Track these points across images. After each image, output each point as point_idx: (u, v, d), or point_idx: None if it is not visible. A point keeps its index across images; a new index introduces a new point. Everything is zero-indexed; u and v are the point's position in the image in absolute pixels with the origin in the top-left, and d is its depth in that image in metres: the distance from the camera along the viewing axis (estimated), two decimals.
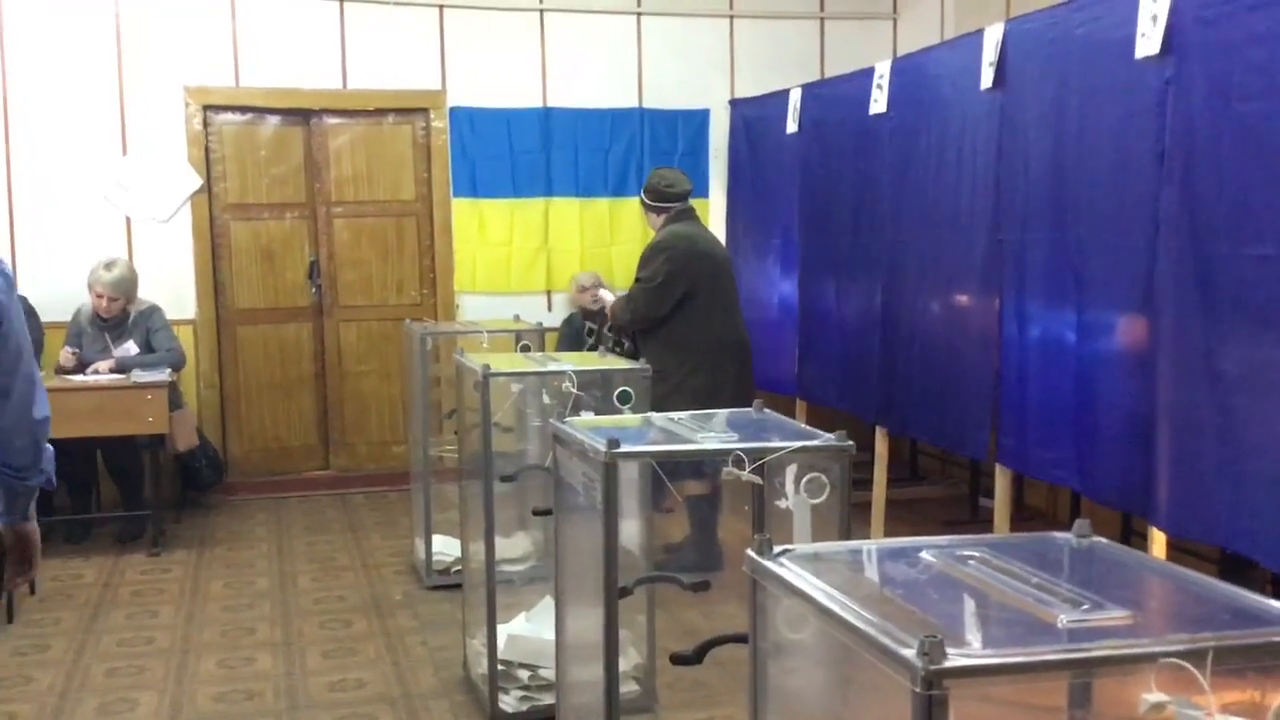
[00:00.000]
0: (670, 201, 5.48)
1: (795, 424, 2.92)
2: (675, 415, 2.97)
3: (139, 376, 5.85)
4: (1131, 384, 3.82)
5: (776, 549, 1.70)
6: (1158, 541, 3.67)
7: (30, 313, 6.18)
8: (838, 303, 6.07)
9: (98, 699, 4.17)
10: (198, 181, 6.88)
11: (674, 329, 5.32)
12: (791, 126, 6.49)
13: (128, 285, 6.13)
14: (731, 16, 7.56)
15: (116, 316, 6.14)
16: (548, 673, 3.84)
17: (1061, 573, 1.65)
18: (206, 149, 6.92)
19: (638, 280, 5.44)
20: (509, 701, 3.94)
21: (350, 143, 7.20)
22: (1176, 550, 3.86)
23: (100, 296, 6.05)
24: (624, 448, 2.56)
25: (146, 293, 6.31)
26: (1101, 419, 3.98)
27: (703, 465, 2.95)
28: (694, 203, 7.79)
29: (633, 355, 5.32)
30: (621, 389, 3.68)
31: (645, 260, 5.43)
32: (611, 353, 4.96)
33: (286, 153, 7.13)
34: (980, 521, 6.01)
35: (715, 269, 5.43)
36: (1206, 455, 3.42)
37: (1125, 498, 3.95)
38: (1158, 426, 3.63)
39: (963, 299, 5.00)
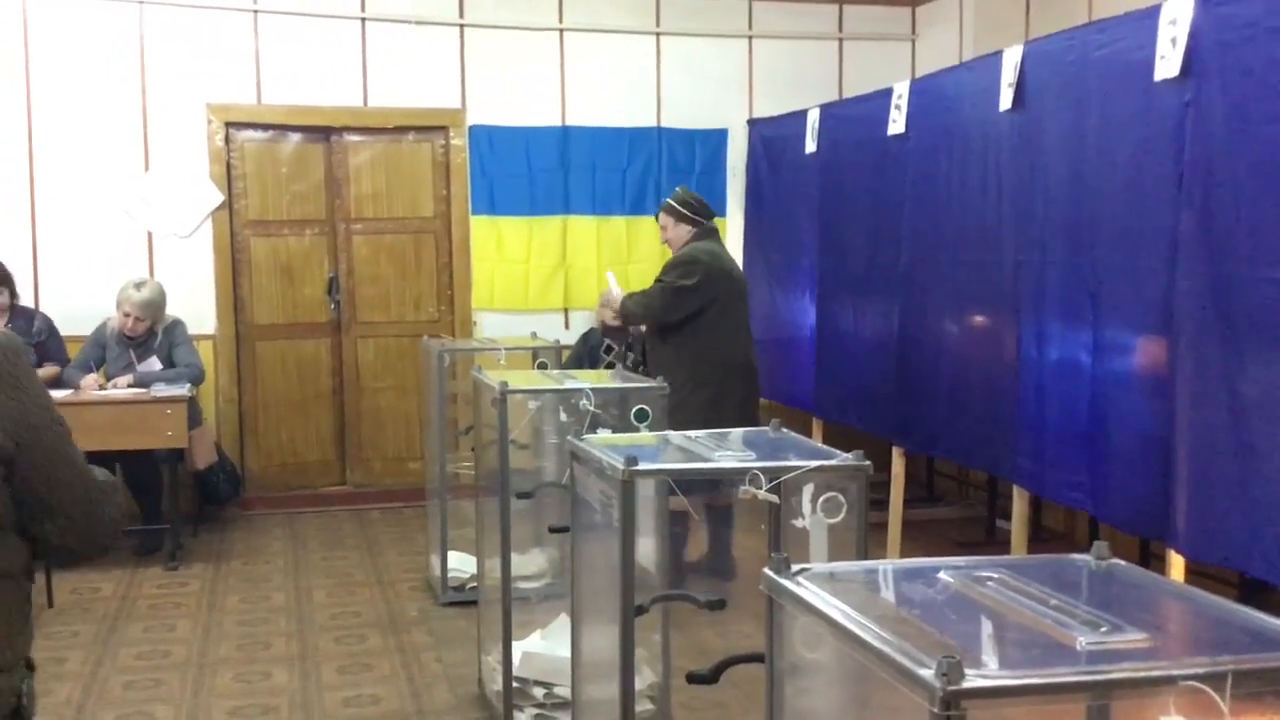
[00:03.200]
0: (704, 217, 5.53)
1: (812, 443, 2.92)
2: (692, 433, 2.97)
3: (159, 391, 5.88)
4: (1149, 407, 3.81)
5: (793, 568, 1.70)
6: (1176, 565, 3.65)
7: (52, 332, 6.23)
8: (855, 322, 6.07)
9: (114, 712, 4.18)
10: (219, 198, 6.92)
11: (685, 342, 5.32)
12: (810, 146, 6.50)
13: (156, 306, 6.17)
14: (750, 37, 7.58)
15: (142, 334, 6.17)
16: (563, 691, 3.84)
17: (1080, 595, 1.65)
18: (228, 165, 6.97)
19: (659, 280, 5.45)
20: (524, 719, 3.94)
21: (370, 160, 7.24)
22: (1195, 574, 3.83)
23: (128, 315, 6.08)
24: (642, 465, 2.57)
25: (167, 308, 6.34)
26: (1119, 441, 3.97)
27: (717, 483, 2.96)
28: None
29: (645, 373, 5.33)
30: (639, 407, 3.69)
31: (674, 265, 5.43)
32: (629, 371, 4.97)
33: (307, 170, 7.17)
34: (997, 543, 6.00)
35: (733, 290, 5.47)
36: (1225, 478, 3.40)
37: (1142, 521, 3.93)
38: (1176, 449, 3.62)
39: (981, 319, 4.99)
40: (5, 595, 2.02)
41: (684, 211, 5.52)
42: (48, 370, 6.11)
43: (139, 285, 6.13)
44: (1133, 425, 3.90)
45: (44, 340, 6.16)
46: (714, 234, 5.59)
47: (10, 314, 6.14)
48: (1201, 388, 3.50)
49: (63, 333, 6.32)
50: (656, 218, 5.76)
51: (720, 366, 5.33)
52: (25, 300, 6.41)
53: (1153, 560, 4.71)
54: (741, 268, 7.42)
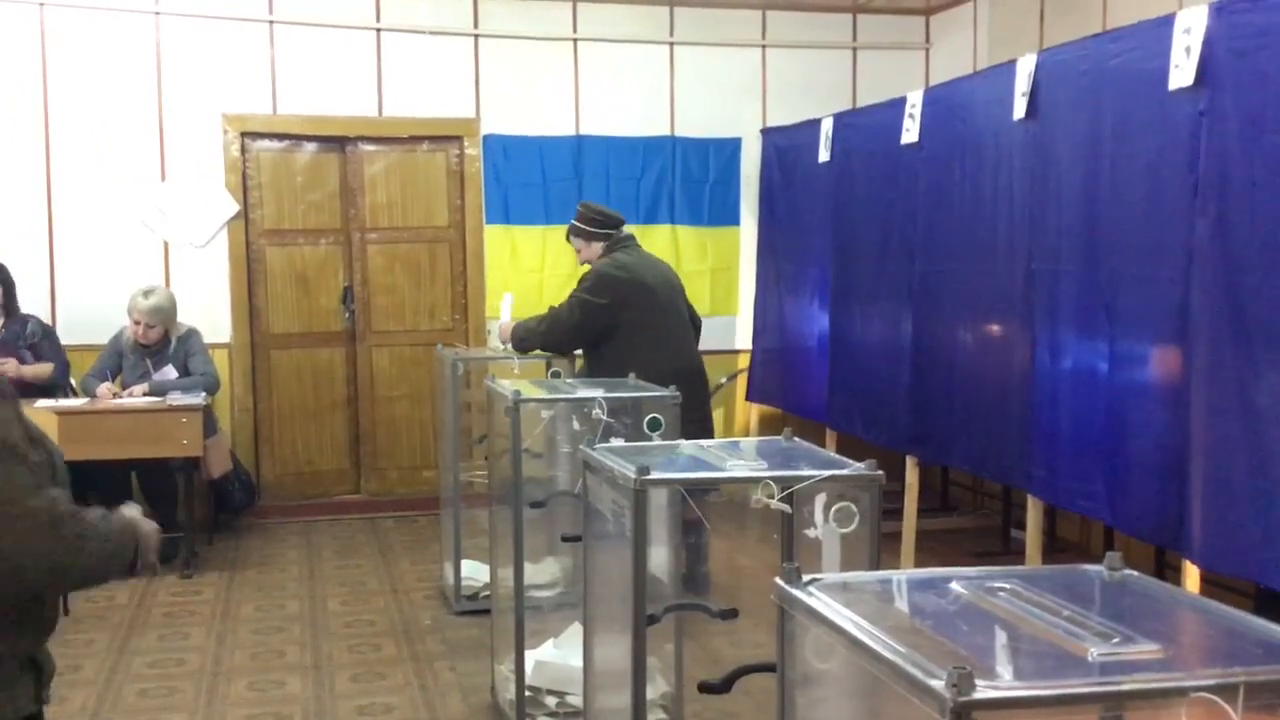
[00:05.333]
0: (610, 227, 5.42)
1: (825, 453, 2.92)
2: (704, 442, 2.97)
3: (174, 399, 5.91)
4: (1164, 416, 3.80)
5: (805, 578, 1.70)
6: (1191, 575, 3.64)
7: (46, 334, 6.26)
8: (869, 331, 6.06)
9: (129, 719, 4.20)
10: (235, 207, 6.96)
11: (608, 357, 5.14)
12: (823, 155, 6.50)
13: (165, 313, 6.20)
14: (764, 46, 7.59)
15: (156, 342, 6.21)
16: (575, 700, 3.84)
17: (1092, 606, 1.64)
18: (244, 175, 7.01)
19: (572, 295, 5.38)
20: None
21: (385, 170, 7.27)
22: (1211, 584, 3.82)
23: (138, 323, 6.12)
24: (654, 475, 2.57)
25: (182, 317, 6.37)
26: (1134, 451, 3.95)
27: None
28: (725, 230, 7.77)
29: None
30: (651, 416, 3.69)
31: (583, 280, 5.36)
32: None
33: (322, 179, 7.20)
34: (1013, 553, 5.97)
35: (653, 301, 5.29)
36: (1240, 488, 3.39)
37: (1158, 531, 3.91)
38: (1191, 459, 3.60)
39: (995, 329, 4.98)
40: None
41: (590, 229, 5.42)
42: (40, 366, 6.14)
43: (147, 293, 6.16)
44: (1148, 435, 3.89)
45: (38, 341, 6.20)
46: (628, 242, 5.45)
47: (5, 317, 6.17)
48: (1217, 397, 3.49)
49: (80, 342, 6.36)
50: (569, 239, 5.60)
51: (651, 378, 5.08)
52: (43, 310, 6.46)
53: (1168, 571, 4.69)
54: (755, 276, 7.46)
